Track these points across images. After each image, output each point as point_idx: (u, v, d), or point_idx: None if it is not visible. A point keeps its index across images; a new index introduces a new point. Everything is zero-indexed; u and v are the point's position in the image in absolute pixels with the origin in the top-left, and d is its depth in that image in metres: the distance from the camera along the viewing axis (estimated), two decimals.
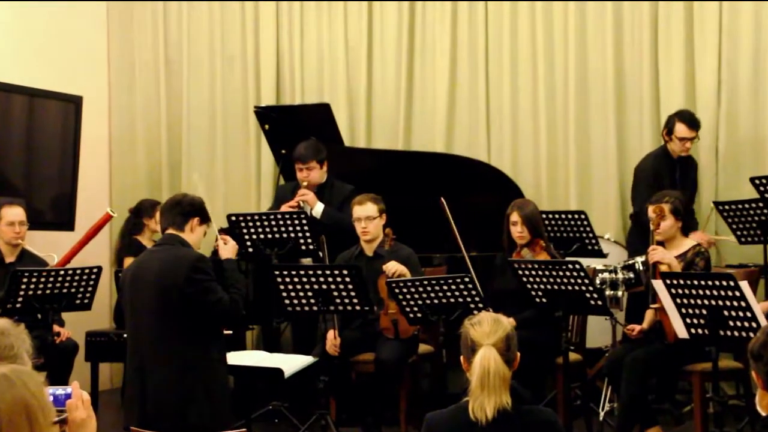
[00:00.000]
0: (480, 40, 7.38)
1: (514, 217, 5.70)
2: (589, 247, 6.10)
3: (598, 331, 6.21)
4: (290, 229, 5.91)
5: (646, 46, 6.99)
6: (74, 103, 7.31)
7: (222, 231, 6.94)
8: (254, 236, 5.96)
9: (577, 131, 7.14)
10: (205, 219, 4.50)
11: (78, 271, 5.55)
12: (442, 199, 5.86)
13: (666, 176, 6.37)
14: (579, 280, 5.05)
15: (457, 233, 5.79)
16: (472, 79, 7.43)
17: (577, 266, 5.04)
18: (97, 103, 7.87)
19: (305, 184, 6.35)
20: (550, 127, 7.24)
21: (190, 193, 4.71)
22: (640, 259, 5.73)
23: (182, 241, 4.41)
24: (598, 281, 5.71)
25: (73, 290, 5.55)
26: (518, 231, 5.67)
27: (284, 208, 6.31)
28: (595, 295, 5.09)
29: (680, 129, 6.33)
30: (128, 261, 6.63)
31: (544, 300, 5.19)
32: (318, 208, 6.34)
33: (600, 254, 6.11)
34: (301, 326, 6.50)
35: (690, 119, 6.36)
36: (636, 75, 7.07)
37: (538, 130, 7.27)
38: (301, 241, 5.93)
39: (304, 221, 5.88)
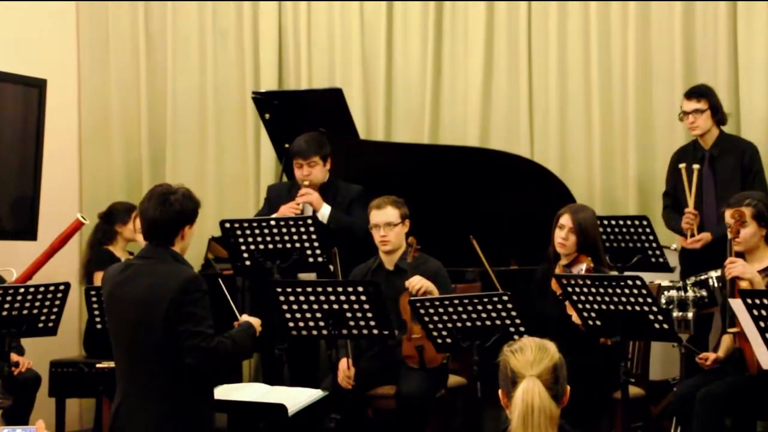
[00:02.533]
0: (521, 12, 7.38)
1: (564, 220, 5.70)
2: (653, 260, 6.09)
3: (664, 361, 6.19)
4: (295, 237, 5.91)
5: (723, 20, 6.95)
6: (36, 87, 7.34)
7: (214, 240, 7.03)
8: (252, 246, 5.97)
9: (638, 122, 7.12)
10: (195, 219, 4.47)
11: (41, 289, 5.54)
12: (472, 237, 5.93)
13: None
14: (640, 299, 5.04)
15: (491, 272, 5.85)
16: (511, 60, 7.44)
17: (638, 282, 5.02)
18: (64, 87, 7.92)
19: (306, 183, 6.37)
20: (605, 116, 7.23)
21: (172, 185, 4.50)
22: (714, 274, 5.72)
23: (174, 254, 4.40)
24: (663, 300, 5.70)
25: (35, 312, 5.54)
26: (562, 237, 5.68)
27: (283, 210, 6.33)
28: (660, 317, 5.08)
29: (682, 103, 6.39)
30: (99, 276, 6.67)
31: (597, 323, 5.19)
32: (324, 211, 6.35)
33: (666, 268, 6.10)
34: (299, 351, 6.52)
35: (691, 89, 6.42)
36: (710, 53, 7.04)
37: (591, 119, 7.26)
38: (308, 252, 5.94)
39: (312, 228, 5.89)
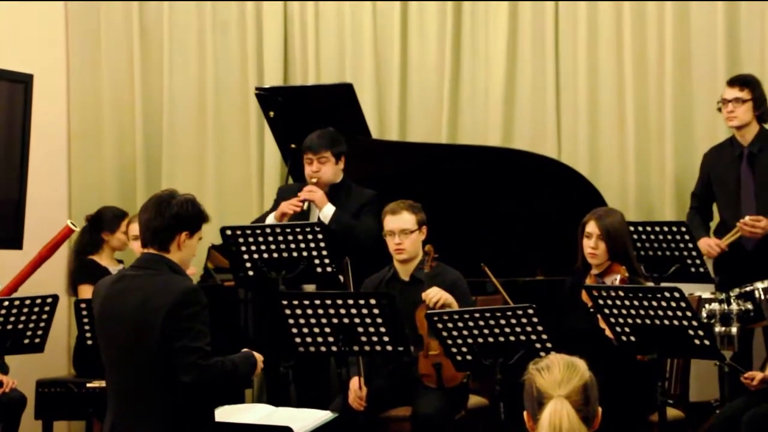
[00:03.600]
0: (548, 10, 7.40)
1: (590, 227, 5.69)
2: (693, 270, 6.06)
3: (706, 380, 6.17)
4: (302, 245, 5.92)
5: None
6: (22, 83, 7.36)
7: (215, 248, 7.03)
8: (255, 255, 5.97)
9: (676, 119, 7.12)
10: (196, 228, 4.45)
11: (27, 302, 5.55)
12: (484, 265, 5.93)
13: (727, 172, 6.34)
14: (679, 313, 5.02)
15: (505, 294, 5.86)
16: (537, 53, 7.45)
17: (677, 294, 5.00)
18: (52, 83, 7.94)
19: (314, 180, 6.39)
20: (639, 112, 7.23)
21: (176, 191, 4.49)
22: (761, 286, 5.70)
23: (171, 264, 4.38)
24: (704, 314, 5.68)
25: (20, 327, 5.55)
26: (591, 246, 5.66)
27: (283, 207, 6.33)
28: (701, 333, 5.05)
29: (724, 90, 6.38)
30: (84, 288, 6.67)
31: (631, 339, 5.17)
32: (327, 211, 6.37)
33: (707, 278, 6.07)
34: (306, 369, 6.51)
35: (735, 76, 6.40)
36: (756, 44, 7.03)
37: (624, 117, 7.27)
38: (317, 261, 5.94)
39: (320, 236, 5.89)
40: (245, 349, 4.62)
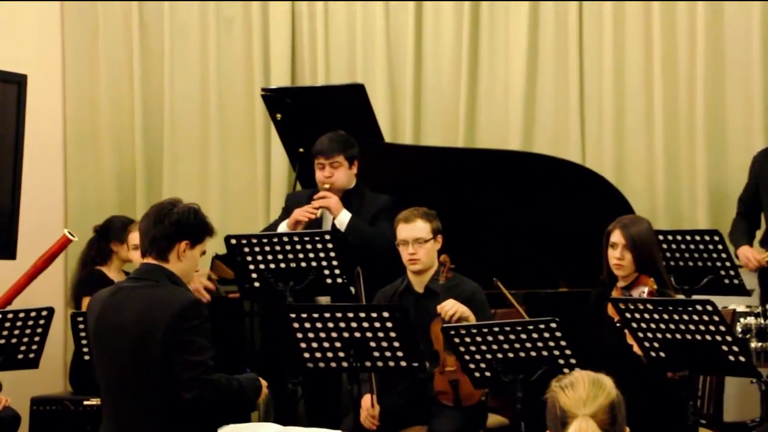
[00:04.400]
0: (571, 11, 7.41)
1: (615, 237, 5.68)
2: (726, 281, 6.05)
3: (741, 399, 6.15)
4: (311, 255, 5.92)
5: None
6: (15, 83, 7.36)
7: (218, 258, 7.03)
8: (262, 265, 5.98)
9: (708, 122, 7.12)
10: (198, 239, 4.45)
11: (21, 315, 5.56)
12: (496, 279, 5.94)
13: None
14: (712, 327, 5.00)
15: (521, 309, 5.86)
16: (559, 52, 7.46)
17: (709, 307, 4.99)
18: (47, 84, 7.96)
19: (326, 186, 6.39)
20: (668, 115, 7.23)
21: (180, 199, 4.50)
22: None
23: (170, 275, 4.38)
24: (739, 329, 5.66)
25: (14, 341, 5.56)
26: (617, 257, 5.65)
27: (296, 214, 6.33)
28: (736, 348, 5.03)
29: None
30: (88, 301, 6.67)
31: (661, 355, 5.15)
32: (343, 218, 6.36)
33: (742, 290, 6.06)
34: (316, 386, 6.51)
35: None
36: None
37: (652, 119, 7.27)
38: (327, 272, 5.94)
39: (330, 245, 5.89)
40: (250, 373, 4.62)
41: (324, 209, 6.38)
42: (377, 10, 7.75)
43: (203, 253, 4.47)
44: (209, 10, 8.06)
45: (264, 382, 4.58)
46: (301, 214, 6.34)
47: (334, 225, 6.33)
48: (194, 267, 4.45)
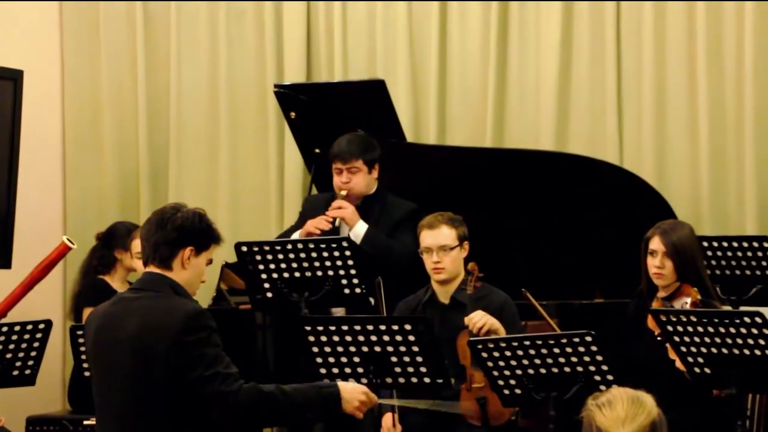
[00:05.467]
0: (608, 10, 7.41)
1: (655, 243, 5.68)
2: None
3: None
4: (328, 263, 5.92)
5: None
6: (11, 80, 7.38)
7: (228, 266, 7.04)
8: (274, 274, 5.98)
9: (758, 120, 7.11)
10: (203, 246, 4.44)
11: (17, 328, 5.57)
12: (525, 290, 5.94)
13: None
14: (761, 341, 4.99)
15: (552, 322, 5.86)
16: (596, 46, 7.45)
17: (758, 320, 4.98)
18: (45, 80, 7.98)
19: (343, 193, 6.38)
20: (714, 112, 7.22)
21: (184, 204, 4.46)
22: None
23: (172, 285, 4.37)
24: None
25: (9, 356, 5.57)
26: (656, 265, 5.65)
27: (309, 225, 6.34)
28: None
29: None
30: (90, 312, 6.68)
31: (706, 371, 5.14)
32: (359, 229, 6.35)
33: None
34: None
35: None
36: None
37: (696, 117, 7.26)
38: (344, 282, 5.94)
39: (348, 252, 5.89)
40: (344, 385, 4.34)
41: (341, 219, 6.36)
42: (398, 2, 7.75)
43: (209, 262, 4.44)
44: (219, 2, 8.06)
45: (351, 388, 4.30)
46: (314, 226, 6.32)
47: (349, 237, 6.30)
48: (200, 276, 4.42)
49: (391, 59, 7.75)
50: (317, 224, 6.33)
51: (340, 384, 4.33)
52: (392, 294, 6.05)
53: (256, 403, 4.17)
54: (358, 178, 6.41)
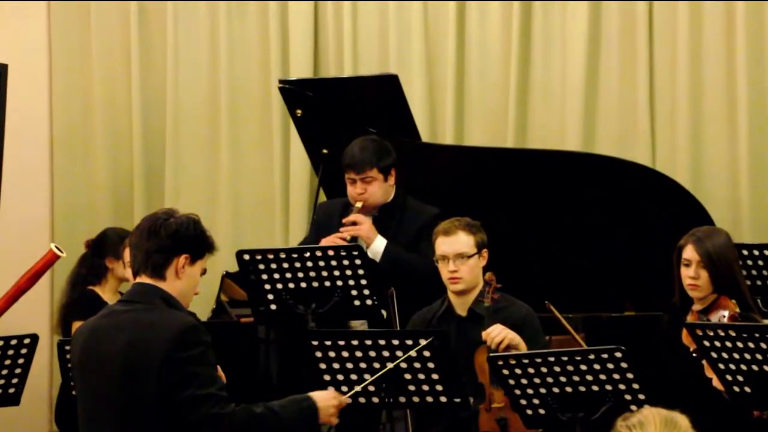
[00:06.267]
0: (639, 8, 7.44)
1: (688, 252, 5.66)
2: None
3: None
4: (336, 273, 5.91)
5: None
6: None
7: (229, 276, 7.02)
8: (279, 285, 5.98)
9: None
10: (199, 254, 4.43)
11: (0, 343, 5.57)
12: (548, 303, 5.92)
13: None
14: None
15: (578, 337, 5.86)
16: (626, 42, 7.50)
17: None
18: (31, 74, 8.00)
19: (359, 205, 6.36)
20: (754, 111, 7.25)
21: (176, 209, 4.49)
22: None
23: (165, 296, 4.36)
24: None
25: None
26: (691, 276, 5.63)
27: (324, 244, 6.29)
28: None
29: None
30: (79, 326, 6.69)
31: (746, 389, 5.11)
32: (377, 247, 6.34)
33: None
34: (345, 425, 6.49)
35: None
36: None
37: (735, 117, 7.29)
38: (354, 292, 5.93)
39: (358, 261, 5.88)
40: (319, 395, 4.55)
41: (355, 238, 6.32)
42: None
43: (203, 272, 4.43)
44: None
45: (324, 396, 4.54)
46: (328, 244, 6.27)
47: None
48: (194, 287, 4.42)
49: (405, 51, 7.79)
50: (330, 243, 6.27)
51: (313, 395, 4.49)
52: (406, 306, 6.05)
53: (251, 426, 4.26)
54: (373, 188, 6.37)
